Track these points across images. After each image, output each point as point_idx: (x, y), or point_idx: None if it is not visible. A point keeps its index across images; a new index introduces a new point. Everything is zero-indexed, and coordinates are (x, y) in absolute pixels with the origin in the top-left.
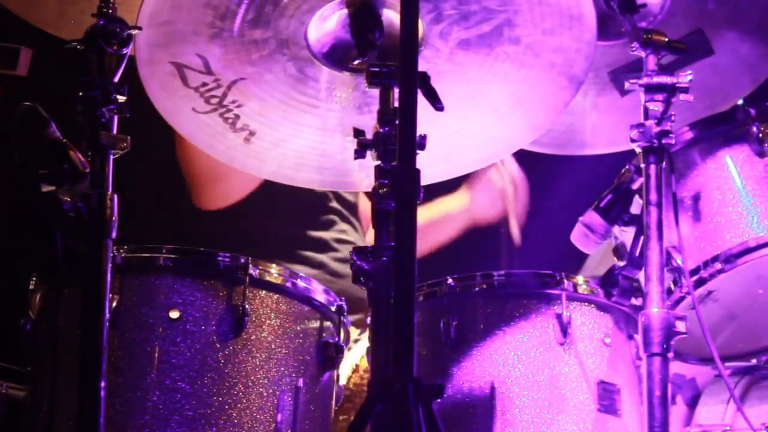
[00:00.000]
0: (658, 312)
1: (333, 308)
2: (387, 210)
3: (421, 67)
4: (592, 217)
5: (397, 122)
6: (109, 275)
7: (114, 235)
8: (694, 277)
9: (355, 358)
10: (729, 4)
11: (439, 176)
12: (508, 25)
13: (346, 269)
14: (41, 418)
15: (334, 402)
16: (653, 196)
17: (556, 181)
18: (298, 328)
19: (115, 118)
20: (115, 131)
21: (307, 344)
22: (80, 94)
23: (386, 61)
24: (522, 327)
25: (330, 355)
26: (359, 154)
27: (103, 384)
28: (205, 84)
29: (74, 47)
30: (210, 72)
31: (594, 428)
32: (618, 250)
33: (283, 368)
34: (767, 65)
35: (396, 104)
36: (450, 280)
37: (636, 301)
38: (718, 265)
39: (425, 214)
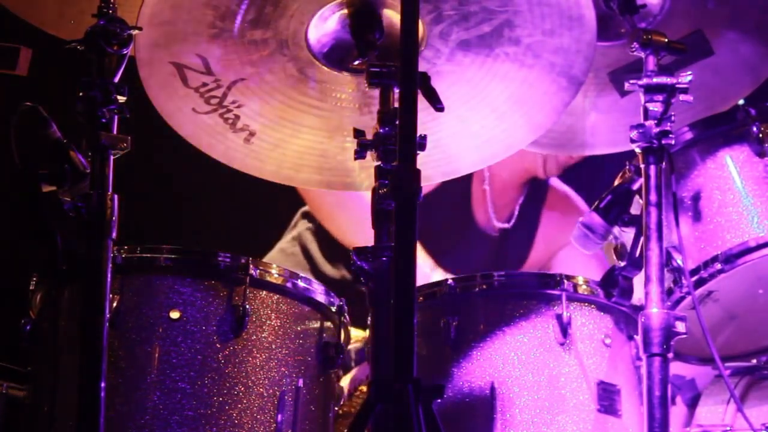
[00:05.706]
0: (658, 312)
1: (333, 308)
2: (387, 210)
3: (421, 67)
4: (592, 217)
5: (397, 122)
6: (109, 275)
7: (114, 235)
8: (694, 277)
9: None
10: (729, 4)
11: (440, 176)
12: (508, 26)
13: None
14: (41, 418)
15: (334, 402)
16: (653, 197)
17: None
18: (299, 328)
19: (116, 118)
20: (115, 131)
21: (308, 344)
22: (80, 94)
23: (386, 61)
24: (522, 327)
25: (330, 355)
26: (359, 154)
27: (103, 384)
28: (205, 84)
29: (74, 47)
30: (210, 72)
31: (594, 429)
32: (618, 250)
33: (283, 368)
34: (767, 65)
35: (396, 104)
36: (450, 280)
37: (636, 302)
38: (718, 265)
39: None
